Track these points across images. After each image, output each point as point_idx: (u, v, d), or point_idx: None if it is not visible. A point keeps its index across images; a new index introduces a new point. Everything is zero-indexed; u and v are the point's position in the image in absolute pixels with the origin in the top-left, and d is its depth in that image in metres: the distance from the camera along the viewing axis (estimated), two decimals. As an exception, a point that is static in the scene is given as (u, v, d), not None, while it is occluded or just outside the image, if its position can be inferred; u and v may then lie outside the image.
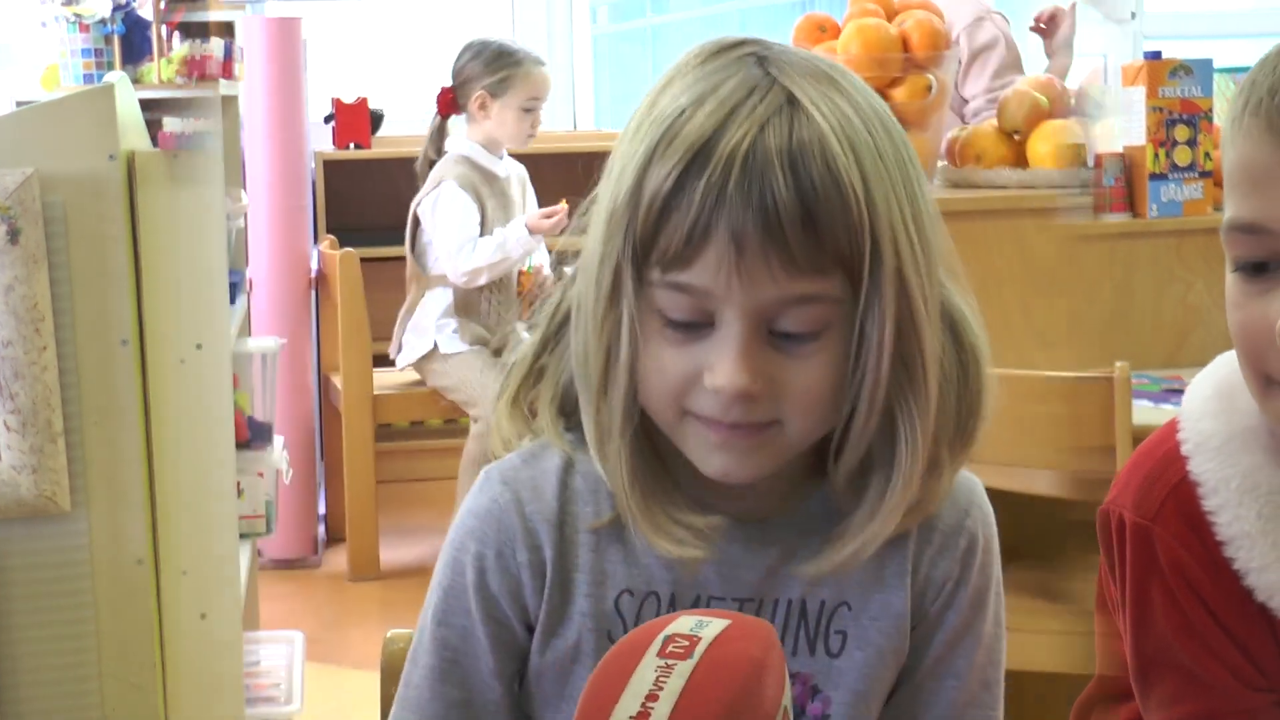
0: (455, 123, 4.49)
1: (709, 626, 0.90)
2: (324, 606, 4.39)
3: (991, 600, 1.21)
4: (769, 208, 1.04)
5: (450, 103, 4.40)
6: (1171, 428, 1.31)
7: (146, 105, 2.90)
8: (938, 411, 1.13)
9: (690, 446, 1.12)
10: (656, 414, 1.12)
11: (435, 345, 4.38)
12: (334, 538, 4.95)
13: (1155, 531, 1.28)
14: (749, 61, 1.09)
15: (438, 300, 4.39)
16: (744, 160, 1.04)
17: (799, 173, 1.04)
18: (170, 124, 2.73)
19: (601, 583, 1.15)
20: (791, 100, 1.06)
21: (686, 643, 0.88)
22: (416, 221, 4.41)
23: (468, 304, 4.39)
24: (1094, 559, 2.67)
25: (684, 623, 0.90)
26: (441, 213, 4.31)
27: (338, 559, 4.77)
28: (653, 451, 1.15)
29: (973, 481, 1.22)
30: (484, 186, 4.31)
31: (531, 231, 4.22)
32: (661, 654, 0.88)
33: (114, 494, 2.45)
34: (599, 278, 1.10)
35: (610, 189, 1.10)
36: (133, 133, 2.65)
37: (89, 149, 2.41)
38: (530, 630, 1.17)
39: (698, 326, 1.08)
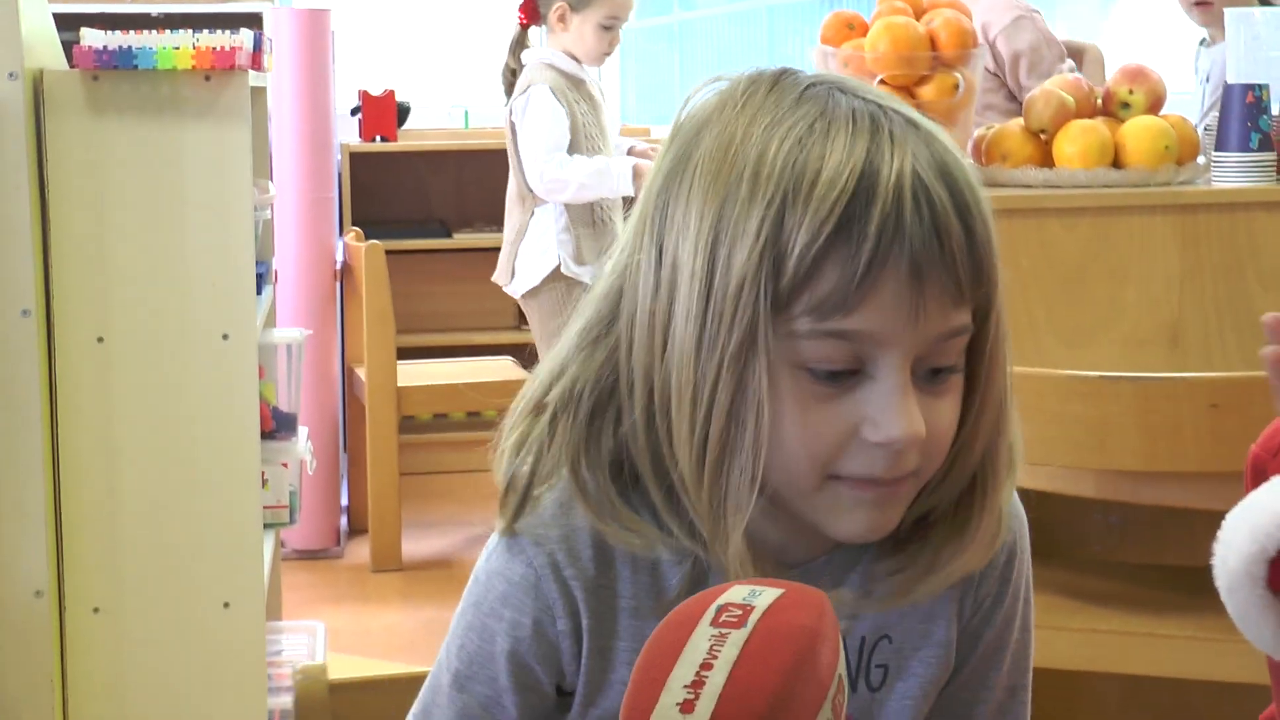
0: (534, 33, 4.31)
1: (762, 595, 0.88)
2: (346, 597, 4.41)
3: (1021, 608, 1.18)
4: (943, 234, 0.98)
5: (532, 11, 4.25)
6: None
7: (68, 21, 2.76)
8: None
9: (825, 511, 1.04)
10: (789, 483, 1.03)
11: (560, 264, 4.13)
12: (356, 529, 4.97)
13: (1271, 465, 1.29)
14: (829, 90, 1.03)
15: (551, 215, 4.16)
16: (912, 187, 0.98)
17: (954, 195, 1.00)
18: (90, 38, 2.51)
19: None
20: (913, 123, 1.02)
21: (740, 612, 0.87)
22: (515, 133, 4.20)
23: (584, 219, 4.16)
24: (1115, 556, 2.68)
25: (737, 592, 0.89)
26: (530, 117, 4.14)
27: (360, 550, 4.79)
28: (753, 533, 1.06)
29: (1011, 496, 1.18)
30: (572, 91, 4.15)
31: (637, 176, 4.03)
32: (715, 623, 0.86)
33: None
34: (711, 339, 1.00)
35: (698, 243, 1.00)
36: (43, 48, 2.52)
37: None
38: (559, 691, 1.12)
39: (844, 377, 1.00)
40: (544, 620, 1.09)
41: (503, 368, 5.05)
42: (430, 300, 5.67)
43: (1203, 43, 4.26)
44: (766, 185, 0.99)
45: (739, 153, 1.01)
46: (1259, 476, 1.35)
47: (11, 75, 2.39)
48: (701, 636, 0.86)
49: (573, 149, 4.13)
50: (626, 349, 1.06)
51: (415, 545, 4.74)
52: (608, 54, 4.26)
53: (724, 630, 0.86)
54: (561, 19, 4.19)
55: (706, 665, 0.84)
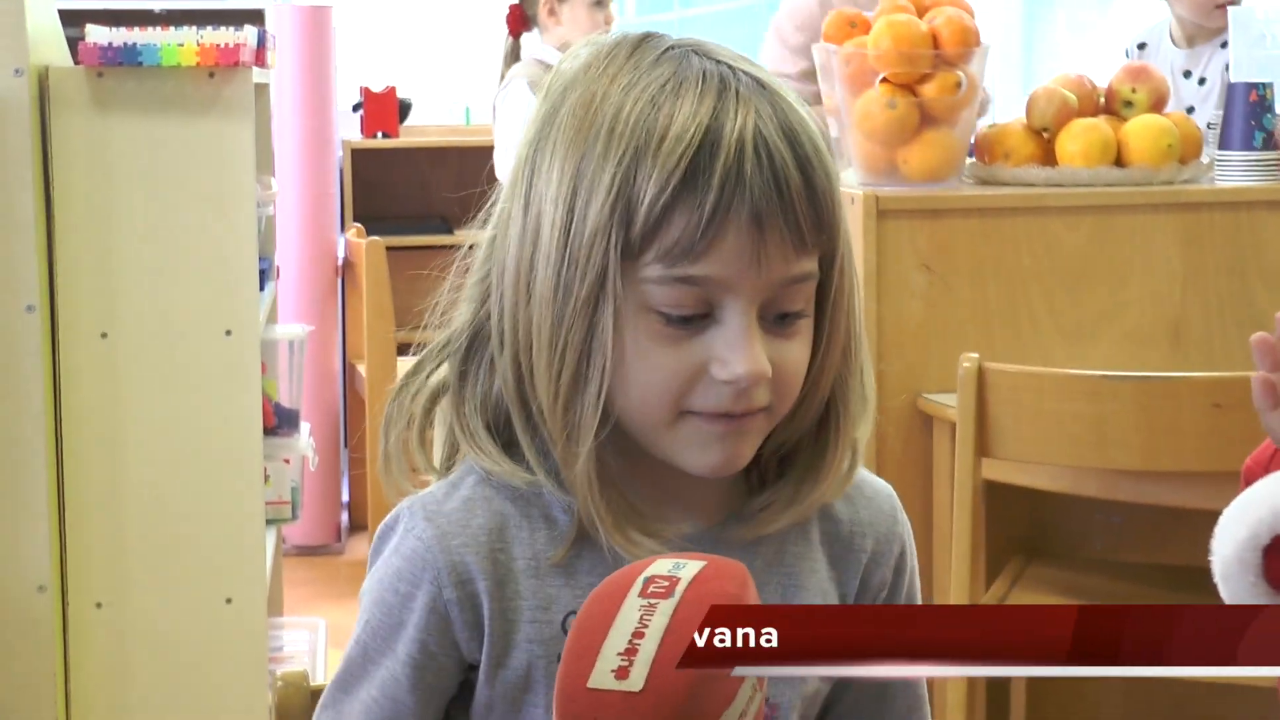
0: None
1: (686, 568, 0.92)
2: (347, 593, 4.41)
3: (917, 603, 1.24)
4: (783, 186, 1.06)
5: (519, 18, 4.27)
6: None
7: (73, 18, 2.79)
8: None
9: (681, 446, 1.10)
10: (644, 418, 1.10)
11: None
12: (357, 525, 4.97)
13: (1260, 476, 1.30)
14: (685, 52, 1.10)
15: None
16: (753, 142, 1.05)
17: (796, 150, 1.07)
18: (95, 34, 2.53)
19: (547, 607, 1.13)
20: (762, 84, 1.09)
21: (666, 583, 0.91)
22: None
23: None
24: (1116, 556, 2.68)
25: (661, 565, 0.93)
26: (503, 112, 4.18)
27: (361, 546, 4.79)
28: (608, 463, 1.12)
29: (889, 489, 1.23)
30: None
31: None
32: (643, 594, 0.90)
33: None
34: (566, 284, 1.07)
35: (559, 194, 1.08)
36: (47, 45, 2.54)
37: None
38: (463, 667, 1.15)
39: (694, 320, 1.07)
40: (433, 591, 1.13)
41: (504, 364, 5.05)
42: (431, 296, 5.67)
43: (1142, 47, 4.24)
44: (620, 141, 1.06)
45: (598, 111, 1.08)
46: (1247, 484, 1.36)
47: (17, 71, 2.39)
48: (631, 607, 0.90)
49: None
50: (497, 295, 1.13)
51: (416, 541, 4.74)
52: (606, 31, 4.23)
53: (653, 600, 0.90)
54: (551, 12, 4.19)
55: (638, 634, 0.89)
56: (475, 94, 5.77)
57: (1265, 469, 1.32)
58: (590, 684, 0.89)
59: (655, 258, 1.06)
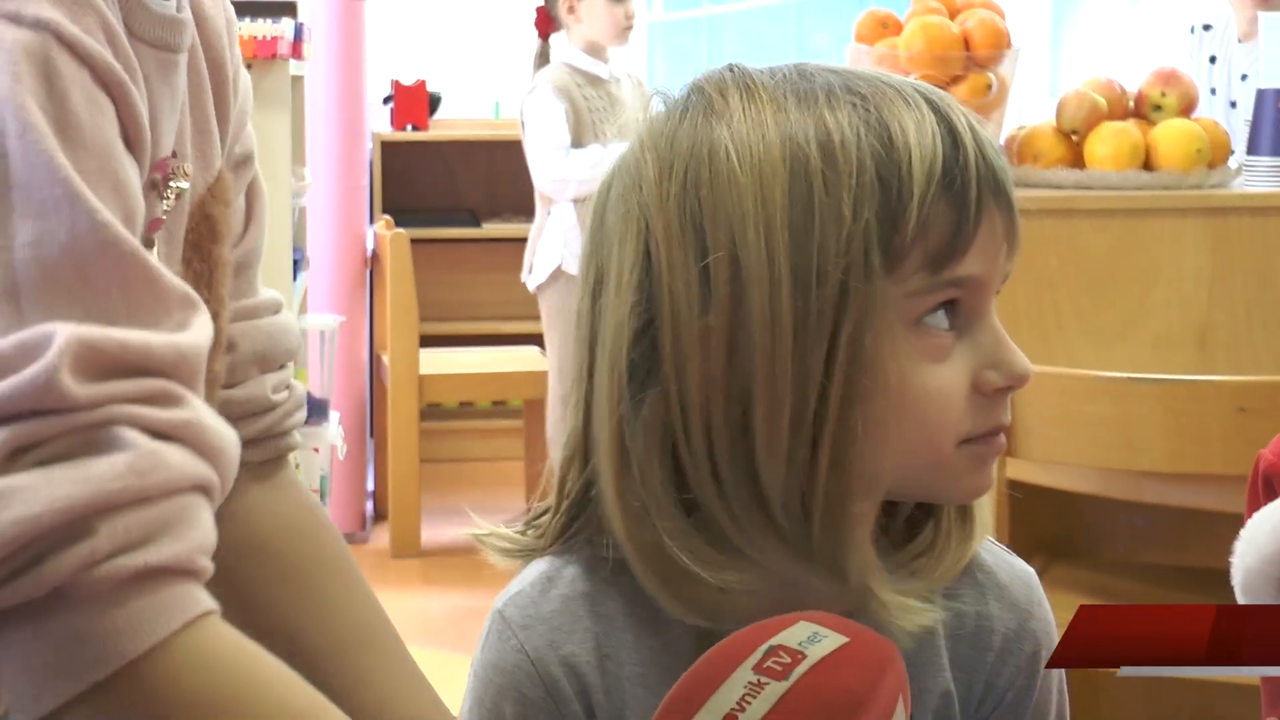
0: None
1: (821, 643, 0.82)
2: (371, 580, 4.43)
3: (1054, 703, 1.12)
4: (1008, 176, 1.01)
5: (546, 19, 4.29)
6: None
7: None
8: None
9: (951, 477, 1.01)
10: (922, 457, 0.99)
11: (562, 263, 4.17)
12: (381, 514, 5.00)
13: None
14: (824, 71, 1.02)
15: (564, 214, 4.21)
16: (979, 137, 1.00)
17: (994, 143, 1.02)
18: None
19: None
20: (921, 90, 1.02)
21: (789, 659, 0.81)
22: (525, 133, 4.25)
23: None
24: (1140, 557, 2.68)
25: (797, 633, 0.82)
26: (529, 117, 4.20)
27: (384, 535, 4.81)
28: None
29: (1029, 575, 1.11)
30: (586, 88, 4.17)
31: None
32: (758, 668, 0.80)
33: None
34: (814, 329, 0.96)
35: (770, 243, 0.97)
36: None
37: None
38: None
39: (951, 333, 0.99)
40: (547, 706, 1.01)
41: (528, 357, 5.07)
42: (458, 289, 5.69)
43: (1207, 28, 4.24)
44: (846, 157, 0.97)
45: (789, 138, 0.98)
46: (1269, 486, 1.36)
47: None
48: (739, 681, 0.80)
49: (580, 144, 4.15)
50: (677, 381, 0.98)
51: (437, 532, 4.76)
52: (628, 27, 4.25)
53: (763, 680, 0.80)
54: (571, 10, 4.21)
55: (731, 717, 0.79)
56: (505, 88, 5.79)
57: None
58: None
59: (919, 266, 0.97)
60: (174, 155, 0.99)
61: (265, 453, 1.14)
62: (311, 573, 1.10)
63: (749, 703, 0.79)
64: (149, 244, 0.96)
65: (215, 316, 1.02)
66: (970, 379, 0.99)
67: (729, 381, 0.97)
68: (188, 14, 1.00)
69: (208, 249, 1.04)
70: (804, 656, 0.80)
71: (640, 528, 0.99)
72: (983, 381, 0.99)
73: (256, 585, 1.09)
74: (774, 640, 0.81)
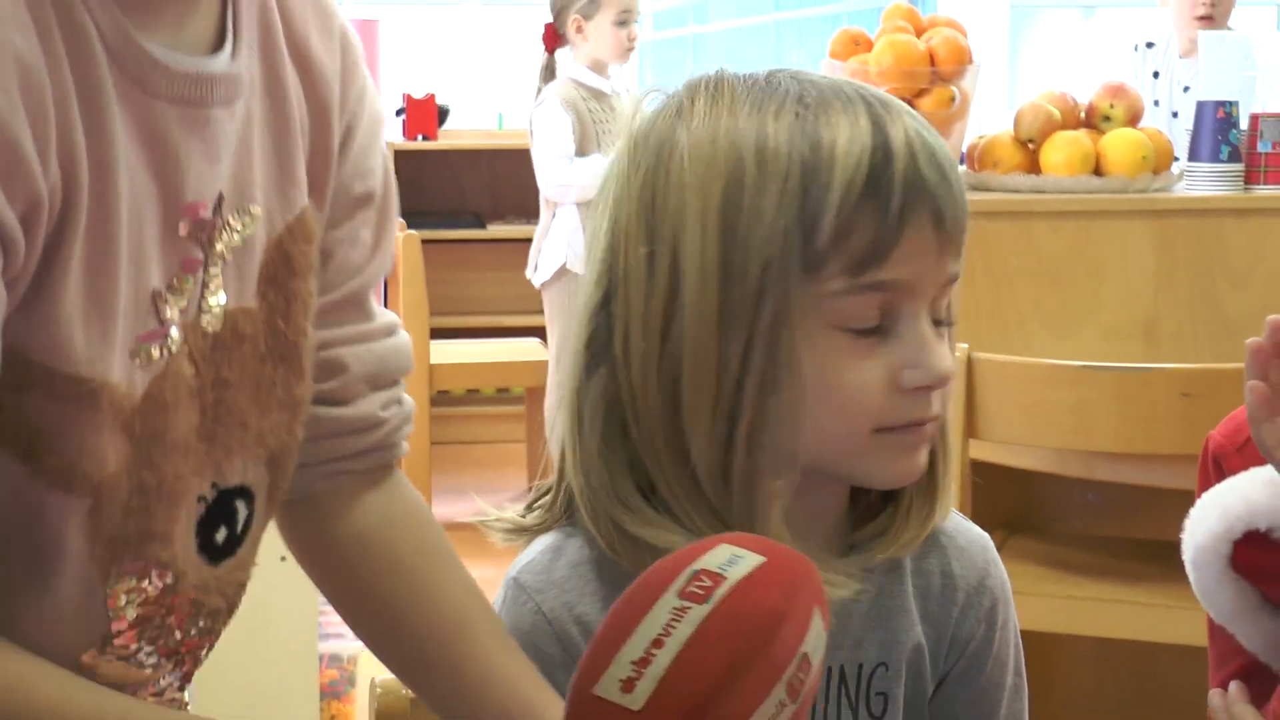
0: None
1: (738, 565, 0.79)
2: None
3: (1012, 654, 1.13)
4: (950, 183, 0.98)
5: (553, 36, 4.28)
6: None
7: None
8: None
9: (872, 463, 1.01)
10: (836, 445, 0.99)
11: (566, 262, 4.15)
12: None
13: (1234, 459, 1.30)
14: (789, 79, 1.01)
15: (569, 216, 4.19)
16: (919, 143, 0.97)
17: (941, 149, 0.99)
18: None
19: None
20: (881, 97, 1.01)
21: (710, 582, 0.79)
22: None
23: None
24: (1093, 530, 2.68)
25: (718, 555, 0.80)
26: (536, 126, 4.19)
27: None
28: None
29: (985, 539, 1.13)
30: (590, 102, 4.17)
31: None
32: (682, 593, 0.78)
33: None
34: (732, 321, 0.97)
35: (700, 235, 0.97)
36: None
37: None
38: None
39: (874, 333, 0.98)
40: (564, 663, 1.01)
41: (529, 348, 5.07)
42: (465, 286, 5.69)
43: (1150, 45, 4.25)
44: (777, 163, 0.96)
45: (731, 144, 0.98)
46: (1217, 466, 1.36)
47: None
48: (663, 607, 0.78)
49: (585, 154, 4.16)
50: (623, 356, 1.00)
51: (447, 508, 4.76)
52: (630, 49, 4.28)
53: (686, 604, 0.78)
54: (579, 30, 4.22)
55: (658, 642, 0.77)
56: (508, 101, 5.78)
57: (1240, 450, 1.32)
58: (596, 690, 0.77)
59: (840, 269, 0.96)
60: (221, 198, 0.95)
61: (376, 461, 1.11)
62: (414, 562, 1.08)
63: (674, 627, 0.77)
64: (180, 282, 0.94)
65: (294, 346, 1.01)
66: (890, 376, 0.98)
67: (663, 362, 0.99)
68: (237, 68, 0.96)
69: (284, 283, 1.01)
70: (724, 579, 0.79)
71: (589, 488, 1.02)
72: (903, 379, 0.98)
73: (369, 577, 1.08)
74: (696, 564, 0.80)
